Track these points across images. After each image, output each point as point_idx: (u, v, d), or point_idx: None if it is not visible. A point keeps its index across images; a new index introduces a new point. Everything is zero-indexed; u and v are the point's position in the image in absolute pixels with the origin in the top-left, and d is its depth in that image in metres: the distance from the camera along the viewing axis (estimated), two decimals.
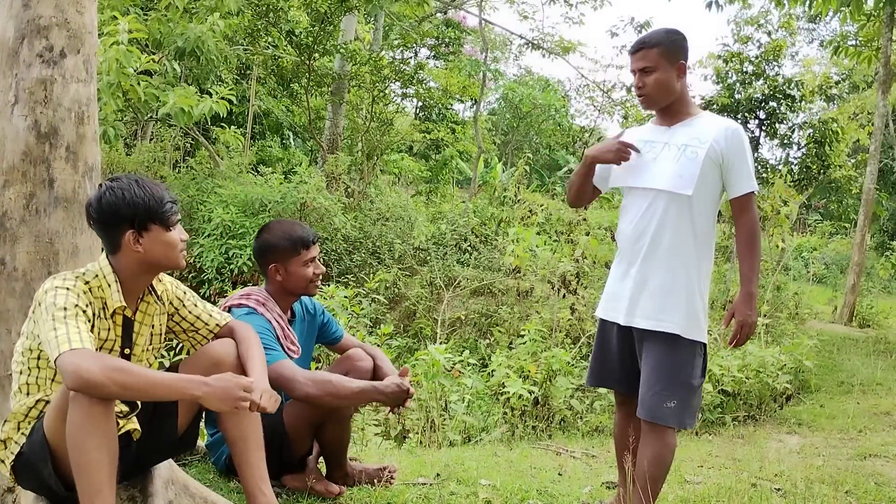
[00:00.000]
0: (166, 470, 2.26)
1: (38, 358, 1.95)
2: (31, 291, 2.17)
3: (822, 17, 11.07)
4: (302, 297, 2.78)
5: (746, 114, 13.06)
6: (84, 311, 1.89)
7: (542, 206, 10.17)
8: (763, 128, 13.36)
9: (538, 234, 8.60)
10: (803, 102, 13.42)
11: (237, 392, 1.83)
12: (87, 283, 1.97)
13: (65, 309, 1.84)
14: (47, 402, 1.95)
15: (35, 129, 2.26)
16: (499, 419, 4.73)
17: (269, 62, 12.19)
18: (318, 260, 2.73)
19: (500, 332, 7.27)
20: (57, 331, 1.79)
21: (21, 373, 1.97)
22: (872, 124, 10.86)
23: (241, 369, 2.14)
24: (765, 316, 7.02)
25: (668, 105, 2.56)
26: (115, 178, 2.01)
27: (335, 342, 2.93)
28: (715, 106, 12.61)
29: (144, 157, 11.44)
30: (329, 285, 6.12)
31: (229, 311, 2.55)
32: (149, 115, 9.40)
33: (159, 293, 2.16)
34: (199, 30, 7.18)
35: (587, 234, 7.90)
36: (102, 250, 2.07)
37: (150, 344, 2.16)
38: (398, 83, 12.55)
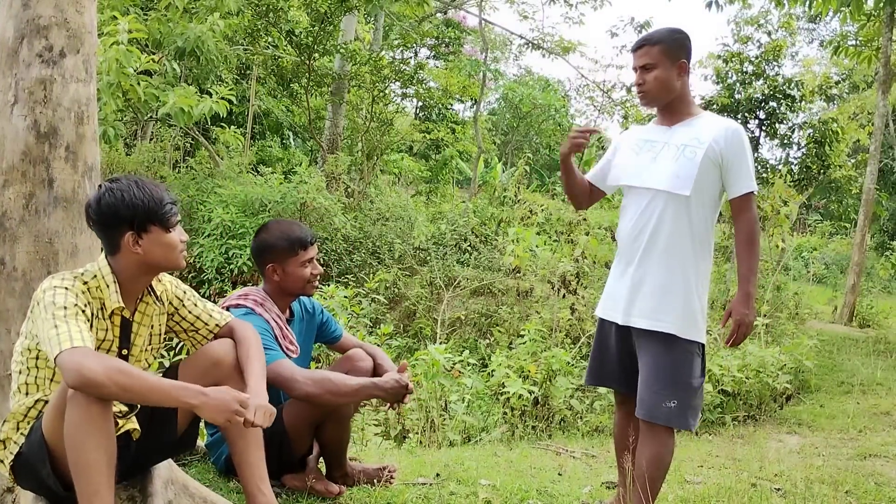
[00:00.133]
0: (166, 470, 2.26)
1: (37, 358, 1.95)
2: (30, 291, 2.17)
3: (822, 17, 11.07)
4: (300, 297, 2.78)
5: (746, 114, 13.06)
6: (83, 311, 1.89)
7: (542, 206, 10.17)
8: (763, 128, 13.36)
9: (538, 234, 8.60)
10: (803, 102, 13.42)
11: (233, 406, 1.83)
12: (85, 283, 1.97)
13: (65, 308, 1.84)
14: (46, 401, 1.95)
15: (34, 128, 2.26)
16: (499, 419, 4.72)
17: (269, 62, 12.18)
18: (318, 260, 2.73)
19: (500, 332, 7.27)
20: (58, 328, 1.79)
21: (20, 373, 1.97)
22: (872, 124, 10.86)
23: (240, 372, 2.14)
24: (765, 316, 7.01)
25: (668, 104, 2.56)
26: (114, 179, 2.00)
27: (334, 341, 2.93)
28: (715, 106, 12.60)
29: (144, 157, 11.43)
30: (329, 285, 6.12)
31: (227, 311, 2.54)
32: (149, 115, 9.40)
33: (159, 293, 2.16)
34: (198, 30, 7.18)
35: (587, 234, 7.90)
36: (102, 251, 2.07)
37: (149, 344, 2.16)
38: (398, 83, 12.54)
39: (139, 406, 2.02)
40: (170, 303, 2.21)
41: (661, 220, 2.47)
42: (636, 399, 2.49)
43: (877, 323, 9.96)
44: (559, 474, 3.41)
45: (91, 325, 1.93)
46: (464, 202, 12.46)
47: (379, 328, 5.83)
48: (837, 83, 17.03)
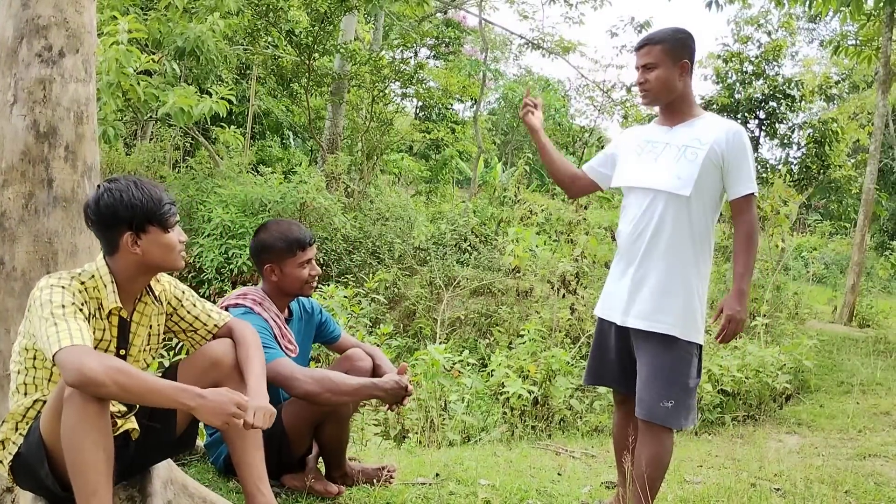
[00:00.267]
0: (165, 470, 2.26)
1: (35, 358, 1.95)
2: (30, 291, 2.16)
3: (822, 16, 11.07)
4: (299, 297, 2.79)
5: (746, 114, 13.06)
6: (80, 310, 1.89)
7: (542, 206, 10.17)
8: (763, 128, 13.37)
9: (538, 234, 8.59)
10: (803, 102, 13.43)
11: (230, 408, 1.83)
12: (82, 283, 1.96)
13: (62, 306, 1.84)
14: (44, 402, 1.94)
15: (34, 128, 2.26)
16: (498, 419, 4.72)
17: (269, 62, 12.18)
18: (317, 260, 2.74)
19: (499, 331, 7.27)
20: (58, 327, 1.78)
21: (18, 373, 1.97)
22: (872, 124, 10.86)
23: (240, 372, 2.14)
24: (764, 316, 7.01)
25: (670, 104, 2.56)
26: (113, 179, 2.00)
27: (333, 341, 2.93)
28: (715, 106, 12.61)
29: (144, 156, 11.44)
30: (329, 285, 6.13)
31: (226, 310, 2.54)
32: (148, 115, 9.40)
33: (157, 293, 2.16)
34: (198, 30, 7.18)
35: (587, 233, 7.90)
36: (101, 250, 2.07)
37: (148, 344, 2.16)
38: (398, 83, 12.54)
39: (138, 406, 2.02)
40: (168, 303, 2.20)
41: (662, 221, 2.47)
42: (635, 399, 2.49)
43: (876, 323, 9.95)
44: (559, 474, 3.41)
45: (88, 326, 1.93)
46: (464, 202, 12.46)
47: (378, 328, 5.83)
48: (837, 83, 17.03)
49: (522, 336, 5.58)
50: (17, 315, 2.19)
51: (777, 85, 12.83)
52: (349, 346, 2.89)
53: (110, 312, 2.02)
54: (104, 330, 2.01)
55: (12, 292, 2.22)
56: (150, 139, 13.09)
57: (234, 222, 8.94)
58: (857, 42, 11.60)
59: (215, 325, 2.24)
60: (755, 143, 13.25)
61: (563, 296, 7.07)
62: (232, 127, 13.01)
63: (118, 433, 1.93)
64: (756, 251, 2.51)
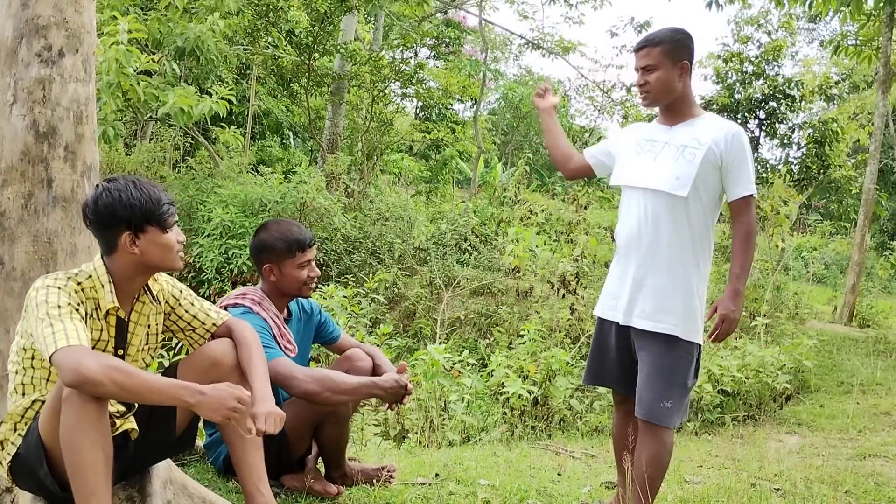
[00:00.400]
0: (165, 470, 2.26)
1: (33, 358, 1.94)
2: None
3: (822, 16, 11.06)
4: (298, 297, 2.79)
5: (746, 114, 13.06)
6: (76, 310, 1.89)
7: (542, 206, 10.17)
8: (763, 128, 13.37)
9: (538, 234, 8.59)
10: (803, 102, 13.43)
11: (230, 403, 1.82)
12: (79, 283, 1.96)
13: (59, 307, 1.84)
14: (43, 402, 1.94)
15: (33, 128, 2.26)
16: (498, 419, 4.72)
17: (269, 62, 12.18)
18: (317, 260, 2.74)
19: (499, 332, 7.27)
20: (54, 327, 1.78)
21: (17, 373, 1.96)
22: (872, 124, 10.85)
23: (240, 371, 2.14)
24: (765, 316, 7.01)
25: (670, 104, 2.56)
26: (111, 178, 2.00)
27: (332, 342, 2.93)
28: (715, 106, 12.61)
29: (144, 156, 11.44)
30: (328, 285, 6.12)
31: (225, 310, 2.54)
32: (148, 115, 9.39)
33: (155, 293, 2.16)
34: (198, 30, 7.18)
35: (587, 233, 7.90)
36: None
37: (147, 344, 2.16)
38: (398, 83, 12.54)
39: (137, 406, 2.02)
40: (166, 302, 2.20)
41: (661, 221, 2.47)
42: (635, 399, 2.49)
43: (877, 323, 9.95)
44: (558, 474, 3.41)
45: (85, 325, 1.92)
46: (464, 202, 12.46)
47: (378, 328, 5.83)
48: (837, 83, 17.02)
49: (522, 336, 5.58)
50: (17, 315, 2.19)
51: (777, 85, 12.83)
52: (349, 346, 2.89)
53: (108, 312, 2.02)
54: (102, 330, 2.01)
55: (12, 292, 2.22)
56: (150, 139, 13.10)
57: (234, 222, 8.93)
58: (857, 42, 11.60)
59: (214, 324, 2.24)
60: (755, 143, 13.25)
61: (563, 296, 7.07)
62: (232, 127, 13.01)
63: (117, 433, 1.93)
64: (753, 253, 2.51)
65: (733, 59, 13.32)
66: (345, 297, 5.80)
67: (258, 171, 11.21)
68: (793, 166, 13.76)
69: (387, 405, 2.63)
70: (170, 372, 2.19)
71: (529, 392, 4.70)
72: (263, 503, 2.14)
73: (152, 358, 2.25)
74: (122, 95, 6.58)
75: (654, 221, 2.48)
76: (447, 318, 8.06)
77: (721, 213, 2.65)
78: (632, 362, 2.56)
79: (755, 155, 12.88)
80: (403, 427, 4.51)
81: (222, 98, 7.14)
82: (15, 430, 1.96)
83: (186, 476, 2.39)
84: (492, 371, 5.16)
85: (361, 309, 6.30)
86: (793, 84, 12.90)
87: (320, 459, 2.81)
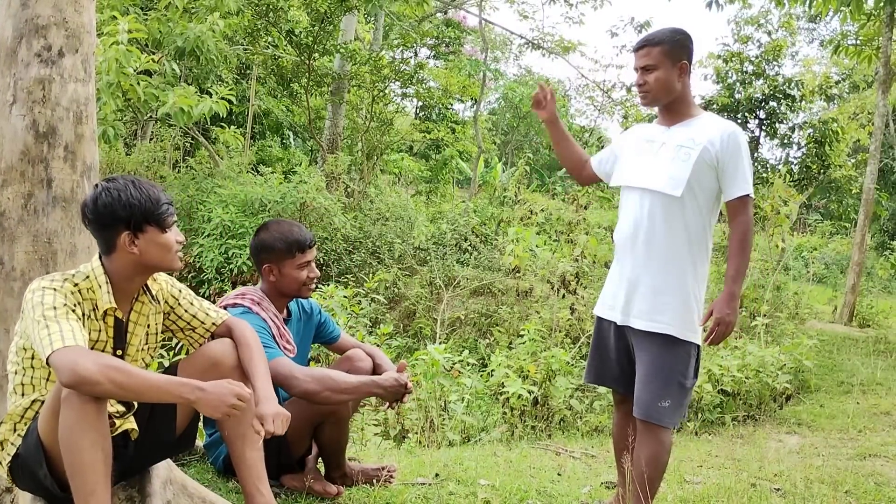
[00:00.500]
0: (164, 470, 2.26)
1: (32, 358, 1.94)
2: None
3: (822, 16, 11.06)
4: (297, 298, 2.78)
5: (746, 114, 13.06)
6: (73, 311, 1.88)
7: (542, 206, 10.17)
8: (763, 128, 13.36)
9: (538, 234, 8.59)
10: (803, 102, 13.42)
11: (230, 399, 1.82)
12: (75, 284, 1.96)
13: (55, 308, 1.83)
14: (43, 402, 1.94)
15: (33, 128, 2.26)
16: (498, 419, 4.72)
17: (269, 62, 12.18)
18: (317, 260, 2.74)
19: (499, 331, 7.27)
20: (50, 328, 1.78)
21: (16, 373, 1.96)
22: (872, 124, 10.85)
23: (241, 371, 2.14)
24: (764, 316, 7.01)
25: (668, 104, 2.56)
26: (111, 178, 2.00)
27: (332, 342, 2.93)
28: (715, 106, 12.60)
29: (144, 156, 11.44)
30: (328, 285, 6.12)
31: (225, 310, 2.54)
32: (148, 115, 9.40)
33: (154, 292, 2.16)
34: (198, 29, 7.18)
35: (587, 233, 7.90)
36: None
37: (146, 344, 2.16)
38: (398, 83, 12.54)
39: (136, 405, 2.02)
40: (165, 302, 2.20)
41: (656, 221, 2.48)
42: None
43: (877, 323, 9.94)
44: (558, 474, 3.41)
45: (83, 326, 1.92)
46: (464, 202, 12.46)
47: (378, 328, 5.82)
48: (837, 83, 17.02)
49: (522, 336, 5.58)
50: (17, 315, 2.18)
51: (777, 85, 12.82)
52: (349, 346, 2.89)
53: (105, 313, 2.01)
54: (100, 331, 2.01)
55: (11, 292, 2.22)
56: (150, 139, 13.09)
57: (234, 222, 8.94)
58: (857, 42, 11.59)
59: (213, 324, 2.24)
60: (755, 143, 13.24)
61: (563, 296, 7.07)
62: (232, 127, 13.01)
63: (117, 433, 1.92)
64: (750, 254, 2.50)
65: (733, 58, 13.31)
66: (345, 297, 5.80)
67: (258, 171, 11.21)
68: (793, 166, 13.76)
69: (387, 404, 2.64)
70: (170, 372, 2.19)
71: (529, 392, 4.70)
72: (263, 503, 2.14)
73: (152, 358, 2.25)
74: (122, 95, 6.58)
75: (650, 221, 2.49)
76: (447, 318, 8.06)
77: (721, 213, 2.64)
78: (630, 362, 2.56)
79: (755, 155, 12.87)
80: (403, 427, 4.51)
81: (222, 98, 7.14)
82: (14, 430, 1.96)
83: (186, 476, 2.39)
84: (492, 371, 5.16)
85: (361, 309, 6.30)
86: (793, 84, 12.89)
87: (320, 459, 2.81)
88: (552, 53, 17.20)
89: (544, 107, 2.80)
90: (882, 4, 9.38)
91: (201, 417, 2.38)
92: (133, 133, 13.05)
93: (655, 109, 2.66)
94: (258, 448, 2.17)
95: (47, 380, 1.96)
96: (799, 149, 14.74)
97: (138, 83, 6.48)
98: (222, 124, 12.69)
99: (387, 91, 12.37)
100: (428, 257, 9.46)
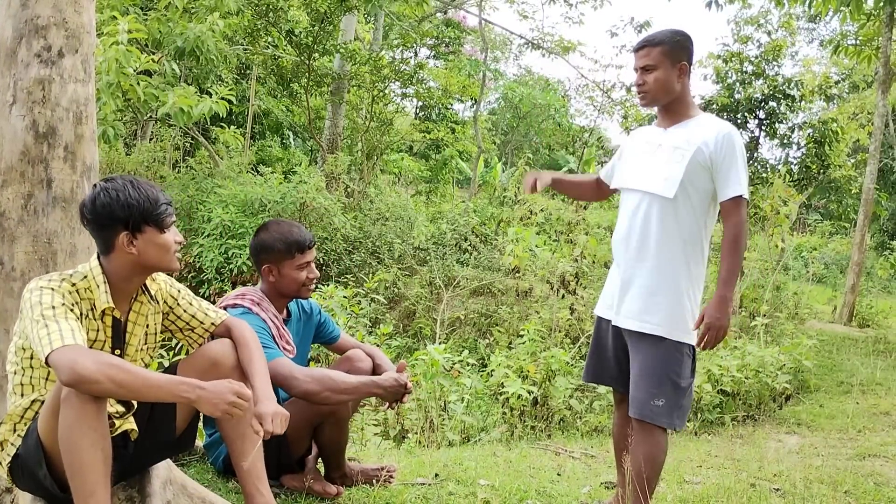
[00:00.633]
0: (164, 470, 2.26)
1: (31, 357, 1.94)
2: None
3: (822, 16, 11.06)
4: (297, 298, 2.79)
5: (746, 114, 13.04)
6: (71, 310, 1.88)
7: (542, 206, 10.16)
8: (763, 128, 13.35)
9: (538, 234, 8.59)
10: (803, 102, 13.40)
11: (230, 398, 1.82)
12: (73, 284, 1.95)
13: (53, 307, 1.83)
14: (42, 402, 1.94)
15: (33, 128, 2.26)
16: (498, 419, 4.72)
17: (269, 62, 12.19)
18: (317, 260, 2.74)
19: (499, 331, 7.27)
20: (49, 328, 1.78)
21: (15, 373, 1.96)
22: (872, 124, 10.85)
23: (240, 371, 2.14)
24: (764, 316, 7.01)
25: (667, 105, 2.57)
26: (109, 178, 2.00)
27: (332, 342, 2.93)
28: (715, 106, 12.58)
29: (144, 156, 11.44)
30: (328, 285, 6.12)
31: (225, 310, 2.54)
32: (148, 115, 9.40)
33: (153, 292, 2.16)
34: (198, 29, 7.18)
35: (587, 233, 7.90)
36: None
37: (145, 344, 2.16)
38: (398, 83, 12.55)
39: (136, 406, 2.02)
40: (164, 302, 2.20)
41: (650, 222, 2.49)
42: None
43: (876, 323, 9.95)
44: (558, 474, 3.41)
45: (81, 325, 1.92)
46: (464, 202, 12.46)
47: (378, 328, 5.83)
48: (837, 83, 17.01)
49: (522, 336, 5.58)
50: (17, 315, 2.19)
51: (777, 85, 12.81)
52: (349, 346, 2.89)
53: (104, 312, 2.01)
54: (98, 330, 2.01)
55: (11, 293, 2.22)
56: (150, 139, 13.09)
57: (234, 222, 8.94)
58: (857, 42, 11.59)
59: (212, 324, 2.24)
60: (755, 143, 13.23)
61: (563, 296, 7.07)
62: (232, 127, 13.01)
63: (116, 434, 1.92)
64: (742, 256, 2.49)
65: (733, 58, 13.30)
66: (345, 297, 5.80)
67: (258, 171, 11.21)
68: (793, 166, 13.75)
69: (387, 404, 2.64)
70: (169, 372, 2.19)
71: (529, 392, 4.70)
72: (263, 503, 2.14)
73: (151, 358, 2.25)
74: (121, 95, 6.58)
75: (644, 222, 2.50)
76: (447, 318, 8.06)
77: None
78: (627, 361, 2.58)
79: (755, 155, 12.86)
80: (403, 427, 4.51)
81: (222, 98, 7.14)
82: (14, 430, 1.96)
83: (186, 476, 2.39)
84: (491, 371, 5.16)
85: (361, 309, 6.30)
86: (793, 84, 12.88)
87: (320, 460, 2.81)
88: (552, 53, 17.20)
89: (538, 187, 2.80)
90: (882, 4, 9.38)
91: (201, 417, 2.38)
92: (133, 133, 13.05)
93: (655, 110, 2.66)
94: (258, 448, 2.17)
95: (46, 379, 1.96)
96: (799, 149, 14.72)
97: (138, 83, 6.48)
98: (222, 124, 12.69)
99: (387, 91, 12.37)
100: (428, 257, 9.46)
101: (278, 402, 2.51)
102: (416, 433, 4.36)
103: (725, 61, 13.47)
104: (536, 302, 7.99)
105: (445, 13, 18.50)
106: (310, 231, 2.79)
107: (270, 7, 10.20)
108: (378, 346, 5.09)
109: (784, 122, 13.38)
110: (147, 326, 2.15)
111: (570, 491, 3.08)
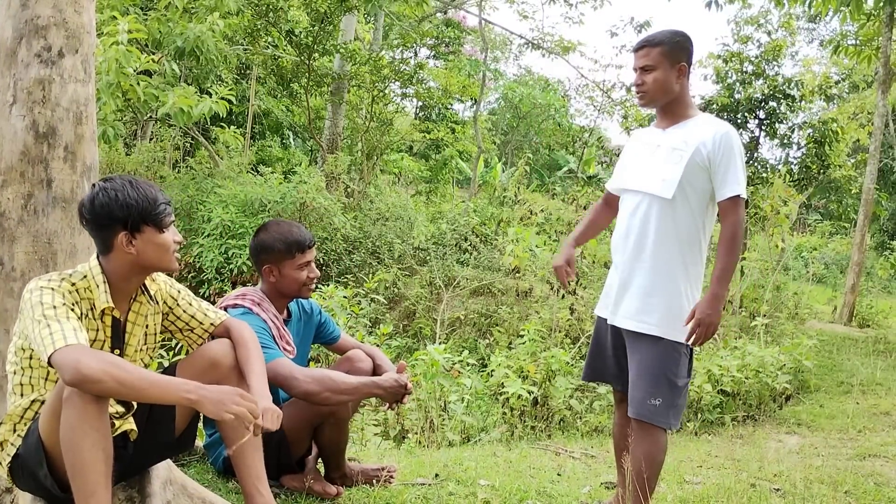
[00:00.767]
0: (164, 470, 2.26)
1: (31, 357, 1.94)
2: None
3: (822, 16, 11.06)
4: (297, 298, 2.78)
5: (746, 114, 13.03)
6: (71, 310, 1.88)
7: (542, 206, 10.17)
8: (763, 128, 13.34)
9: (538, 234, 8.59)
10: (803, 102, 13.40)
11: (232, 397, 1.83)
12: (73, 284, 1.95)
13: (54, 307, 1.83)
14: (42, 402, 1.94)
15: (33, 129, 2.26)
16: (498, 419, 4.72)
17: (269, 62, 12.19)
18: (317, 260, 2.74)
19: (499, 332, 7.27)
20: (51, 328, 1.78)
21: (15, 373, 1.96)
22: (872, 124, 10.85)
23: (239, 372, 2.14)
24: (764, 316, 7.01)
25: (666, 106, 2.57)
26: (108, 178, 1.99)
27: (333, 342, 2.93)
28: (715, 106, 12.58)
29: (144, 157, 11.44)
30: (328, 285, 6.12)
31: (225, 311, 2.54)
32: (148, 115, 9.40)
33: (153, 293, 2.16)
34: (198, 29, 7.18)
35: None
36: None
37: (145, 344, 2.16)
38: (398, 83, 12.54)
39: (136, 406, 2.02)
40: (164, 302, 2.20)
41: (648, 223, 2.49)
42: None
43: (876, 323, 9.95)
44: (558, 474, 3.41)
45: (81, 325, 1.92)
46: (464, 202, 12.46)
47: (378, 328, 5.83)
48: (837, 83, 17.01)
49: (522, 336, 5.58)
50: (17, 315, 2.19)
51: (777, 85, 12.80)
52: (349, 346, 2.89)
53: (103, 312, 2.01)
54: (97, 330, 2.00)
55: (11, 293, 2.22)
56: (150, 139, 13.09)
57: (234, 222, 8.94)
58: (857, 42, 11.60)
59: (212, 324, 2.24)
60: (755, 143, 13.23)
61: (563, 296, 7.07)
62: (232, 127, 13.00)
63: (116, 434, 1.92)
64: (738, 255, 2.50)
65: (733, 58, 13.29)
66: (345, 297, 5.80)
67: (258, 171, 11.21)
68: (793, 166, 13.74)
69: (387, 405, 2.64)
70: (169, 372, 2.19)
71: (529, 392, 4.71)
72: (263, 503, 2.14)
73: (151, 358, 2.25)
74: (121, 95, 6.58)
75: (642, 223, 2.51)
76: (447, 318, 8.06)
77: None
78: (626, 360, 2.58)
79: (755, 155, 12.85)
80: (403, 427, 4.51)
81: (222, 98, 7.14)
82: (14, 430, 1.96)
83: (186, 476, 2.39)
84: (492, 371, 5.16)
85: (361, 309, 6.30)
86: (793, 84, 12.87)
87: (320, 460, 2.81)
88: (552, 53, 17.19)
89: (571, 270, 2.88)
90: (882, 4, 9.39)
91: (201, 418, 2.38)
92: (133, 133, 13.05)
93: (654, 110, 2.67)
94: (258, 448, 2.17)
95: (46, 380, 1.96)
96: (799, 149, 14.72)
97: (138, 83, 6.48)
98: (222, 124, 12.69)
99: (387, 91, 12.37)
100: (428, 257, 9.46)
101: (278, 402, 2.52)
102: (416, 433, 4.36)
103: (725, 61, 13.47)
104: (536, 302, 7.99)
105: (445, 13, 18.51)
106: (310, 231, 2.79)
107: (270, 7, 10.20)
108: (378, 346, 5.09)
109: (784, 122, 13.38)
110: (146, 326, 2.15)
111: (571, 491, 3.08)
